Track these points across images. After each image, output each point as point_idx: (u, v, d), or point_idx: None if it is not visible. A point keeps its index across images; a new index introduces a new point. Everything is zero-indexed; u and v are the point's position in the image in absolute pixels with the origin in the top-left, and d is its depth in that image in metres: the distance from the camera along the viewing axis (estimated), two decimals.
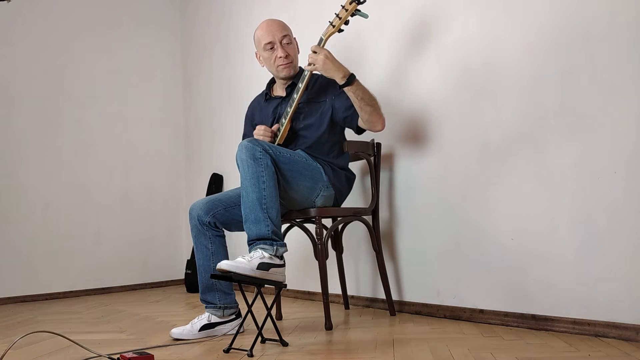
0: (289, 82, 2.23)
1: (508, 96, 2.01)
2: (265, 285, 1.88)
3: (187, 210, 4.07)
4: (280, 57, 2.16)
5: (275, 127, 2.18)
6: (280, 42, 2.16)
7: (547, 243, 1.88)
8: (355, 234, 2.61)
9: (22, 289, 3.42)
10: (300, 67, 2.27)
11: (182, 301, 3.15)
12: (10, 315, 2.86)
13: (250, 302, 1.85)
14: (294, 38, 2.26)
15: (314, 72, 2.10)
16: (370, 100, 2.03)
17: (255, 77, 3.17)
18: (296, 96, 2.11)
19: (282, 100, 2.25)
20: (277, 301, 2.29)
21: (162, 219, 4.09)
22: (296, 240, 2.70)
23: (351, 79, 2.00)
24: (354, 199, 2.59)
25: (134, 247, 3.90)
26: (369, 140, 2.33)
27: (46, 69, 3.63)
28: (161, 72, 4.19)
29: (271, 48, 2.17)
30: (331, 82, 2.21)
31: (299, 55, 2.28)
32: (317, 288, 2.81)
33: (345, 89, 2.01)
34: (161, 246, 4.05)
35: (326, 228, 2.26)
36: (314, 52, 2.03)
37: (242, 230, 1.97)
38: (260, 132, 2.15)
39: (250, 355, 1.66)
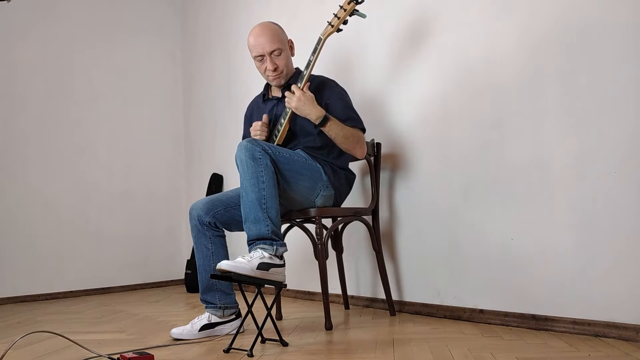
0: (285, 84, 2.24)
1: (508, 96, 2.01)
2: (265, 285, 1.88)
3: (187, 210, 4.07)
4: (269, 69, 2.17)
5: (264, 117, 2.19)
6: (270, 55, 2.15)
7: (547, 243, 1.88)
8: (355, 234, 2.61)
9: (22, 289, 3.42)
10: (297, 68, 2.27)
11: (182, 301, 3.15)
12: (10, 315, 2.86)
13: (250, 302, 1.85)
14: (289, 40, 2.24)
15: (310, 77, 2.14)
16: (344, 139, 2.07)
17: (255, 77, 3.16)
18: None
19: (279, 101, 2.25)
20: (277, 301, 2.29)
21: (162, 219, 4.09)
22: (296, 240, 2.70)
23: (324, 121, 2.03)
24: (354, 199, 2.59)
25: (134, 247, 3.90)
26: (369, 140, 2.33)
27: (47, 69, 3.64)
28: (161, 72, 4.19)
29: (261, 60, 2.18)
30: (326, 84, 2.22)
31: (296, 55, 2.28)
32: (317, 288, 2.81)
33: (321, 129, 2.06)
34: (161, 246, 4.06)
35: (326, 228, 2.26)
36: (293, 92, 2.05)
37: (242, 230, 1.97)
38: (257, 127, 2.17)
39: (250, 355, 1.67)
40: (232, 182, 3.60)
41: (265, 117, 2.20)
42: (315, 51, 2.08)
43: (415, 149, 2.36)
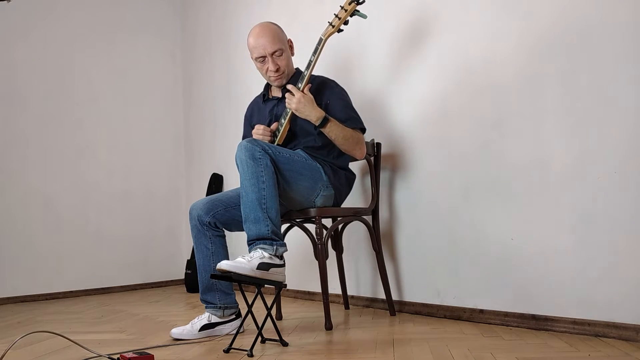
0: (286, 84, 2.23)
1: (508, 96, 2.01)
2: (265, 285, 1.88)
3: (187, 210, 4.07)
4: (271, 70, 2.16)
5: (274, 125, 2.19)
6: (272, 56, 2.15)
7: (547, 243, 1.88)
8: (355, 234, 2.61)
9: (22, 289, 3.42)
10: (297, 69, 2.27)
11: (182, 301, 3.15)
12: (10, 315, 2.86)
13: (250, 302, 1.85)
14: (289, 40, 2.24)
15: (310, 78, 2.12)
16: (344, 140, 2.08)
17: (255, 77, 3.16)
18: None
19: (279, 102, 2.25)
20: (277, 301, 2.29)
21: (162, 219, 4.09)
22: (296, 240, 2.70)
23: (324, 122, 2.04)
24: (354, 199, 2.59)
25: (134, 247, 3.90)
26: (369, 140, 2.33)
27: (47, 69, 3.64)
28: (161, 72, 4.19)
29: (262, 61, 2.17)
30: (326, 85, 2.22)
31: (296, 56, 2.28)
32: (317, 288, 2.81)
33: (321, 130, 2.06)
34: (161, 246, 4.06)
35: (326, 228, 2.26)
36: (292, 93, 2.06)
37: (242, 230, 1.97)
38: (260, 131, 2.16)
39: (250, 355, 1.67)
40: (232, 182, 3.60)
41: (274, 125, 2.19)
42: (316, 51, 2.08)
43: (415, 149, 2.36)
